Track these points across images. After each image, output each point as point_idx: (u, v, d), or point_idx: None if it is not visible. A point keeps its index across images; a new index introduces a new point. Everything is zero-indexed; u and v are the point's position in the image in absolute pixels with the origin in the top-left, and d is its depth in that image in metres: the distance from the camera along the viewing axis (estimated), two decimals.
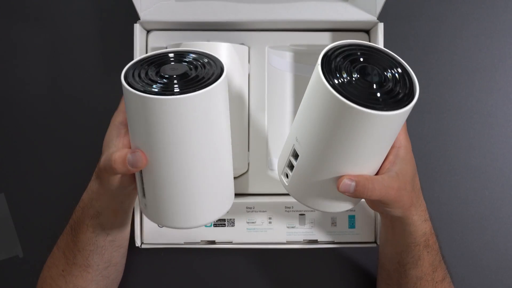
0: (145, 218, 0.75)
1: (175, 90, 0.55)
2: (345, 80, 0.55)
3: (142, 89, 0.55)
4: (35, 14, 0.83)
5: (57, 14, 0.83)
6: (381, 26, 0.74)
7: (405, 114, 0.55)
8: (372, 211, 0.75)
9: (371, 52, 0.59)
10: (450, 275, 0.70)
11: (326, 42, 0.78)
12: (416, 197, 0.63)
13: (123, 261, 0.73)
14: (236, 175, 0.78)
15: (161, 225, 0.62)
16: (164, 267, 0.82)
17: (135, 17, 0.74)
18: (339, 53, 0.58)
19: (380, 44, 0.74)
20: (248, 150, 0.79)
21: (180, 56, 0.61)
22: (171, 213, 0.60)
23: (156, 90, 0.55)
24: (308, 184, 0.61)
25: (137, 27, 0.74)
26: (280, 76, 0.81)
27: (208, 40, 0.76)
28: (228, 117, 0.61)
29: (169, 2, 0.75)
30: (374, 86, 0.55)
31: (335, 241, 0.75)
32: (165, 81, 0.56)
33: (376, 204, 0.63)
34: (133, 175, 0.62)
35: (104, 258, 0.68)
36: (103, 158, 0.60)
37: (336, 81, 0.55)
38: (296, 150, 0.60)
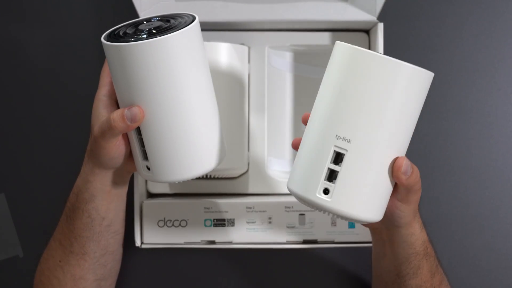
0: (145, 218, 0.75)
1: (151, 36, 0.58)
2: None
3: (119, 41, 0.58)
4: (35, 14, 0.83)
5: (57, 14, 0.83)
6: (381, 26, 0.74)
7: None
8: None
9: None
10: (446, 276, 0.70)
11: (326, 42, 0.79)
12: (414, 213, 0.63)
13: (120, 250, 0.73)
14: (236, 175, 0.78)
15: (169, 180, 0.61)
16: (164, 267, 0.82)
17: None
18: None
19: (380, 44, 0.74)
20: (248, 150, 0.79)
21: (155, 17, 0.65)
22: (178, 163, 0.61)
23: (132, 39, 0.58)
24: (360, 187, 0.54)
25: None
26: (280, 76, 0.81)
27: (208, 40, 0.76)
28: (207, 68, 0.63)
29: (169, 2, 0.75)
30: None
31: (335, 241, 0.75)
32: (143, 34, 0.60)
33: (395, 206, 0.60)
34: (128, 142, 0.63)
35: (100, 245, 0.68)
36: (98, 126, 0.61)
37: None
38: (341, 150, 0.54)
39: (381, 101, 0.53)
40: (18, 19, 0.83)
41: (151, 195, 0.79)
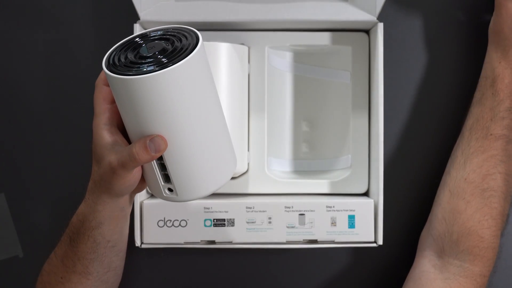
0: (145, 218, 0.74)
1: (160, 64, 0.55)
2: None
3: (132, 73, 0.55)
4: (35, 14, 0.83)
5: (57, 14, 0.83)
6: (380, 26, 0.74)
7: None
8: (372, 211, 0.75)
9: None
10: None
11: (326, 42, 0.79)
12: (504, 41, 0.72)
13: (122, 264, 0.73)
14: (236, 175, 0.78)
15: (196, 197, 0.61)
16: (164, 267, 0.82)
17: (135, 17, 0.74)
18: None
19: (380, 44, 0.74)
20: (248, 150, 0.79)
21: (156, 34, 0.61)
22: (204, 179, 0.61)
23: (144, 69, 0.55)
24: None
25: (137, 27, 0.74)
26: (280, 76, 0.81)
27: (208, 40, 0.76)
28: (213, 79, 0.61)
29: (169, 2, 0.75)
30: None
31: (335, 241, 0.75)
32: (148, 61, 0.56)
33: None
34: (141, 167, 0.61)
35: (104, 264, 0.67)
36: (117, 159, 0.58)
37: None
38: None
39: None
40: (17, 19, 0.83)
41: (151, 195, 0.79)
